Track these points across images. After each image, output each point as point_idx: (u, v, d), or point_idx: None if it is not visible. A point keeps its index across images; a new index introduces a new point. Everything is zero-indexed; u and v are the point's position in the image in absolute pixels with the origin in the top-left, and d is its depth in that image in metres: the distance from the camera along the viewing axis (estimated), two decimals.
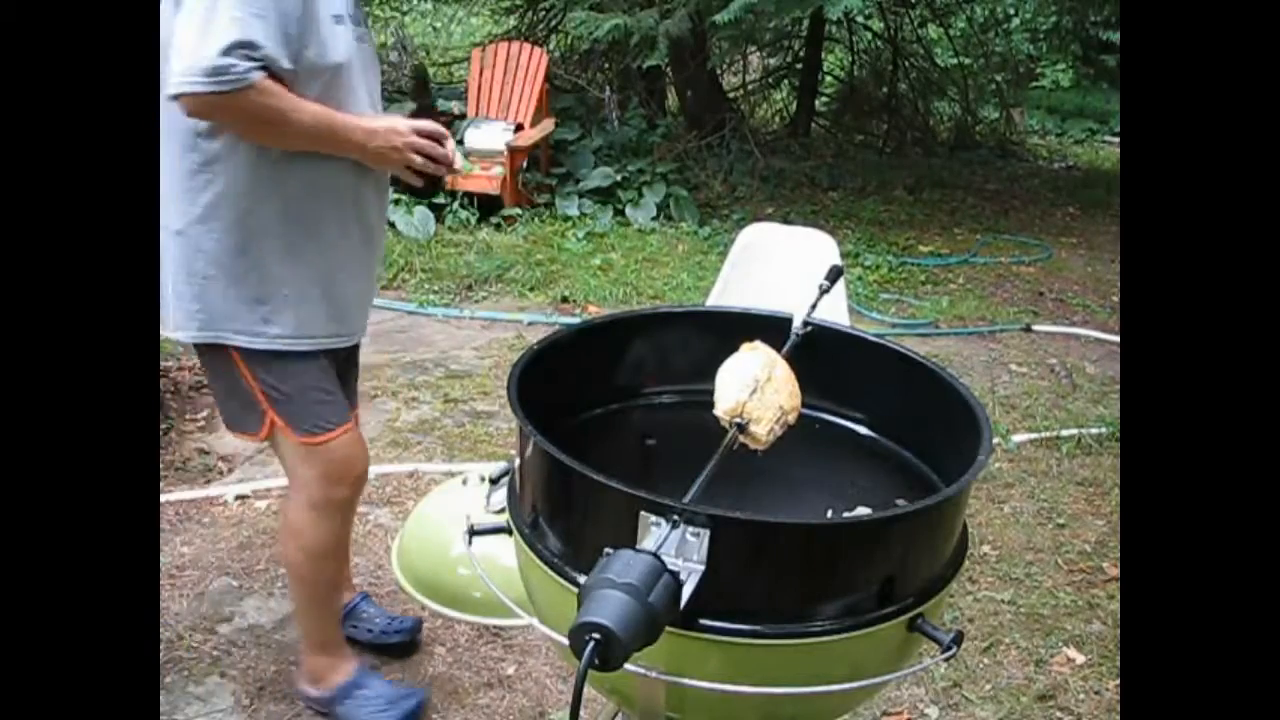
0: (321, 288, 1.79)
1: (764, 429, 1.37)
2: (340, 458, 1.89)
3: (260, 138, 1.63)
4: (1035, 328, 4.67)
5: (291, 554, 1.99)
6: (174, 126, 1.65)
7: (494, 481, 2.28)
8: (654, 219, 5.93)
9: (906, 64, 8.20)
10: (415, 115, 1.81)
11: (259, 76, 1.52)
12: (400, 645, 2.32)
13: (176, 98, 1.52)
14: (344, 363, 1.97)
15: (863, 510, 1.58)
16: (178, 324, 1.76)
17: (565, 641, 1.03)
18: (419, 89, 1.77)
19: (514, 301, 4.75)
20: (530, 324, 4.43)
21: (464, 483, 2.64)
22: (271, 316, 1.75)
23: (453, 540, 2.48)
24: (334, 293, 1.81)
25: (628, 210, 5.96)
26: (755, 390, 1.38)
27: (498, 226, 5.60)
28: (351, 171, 1.77)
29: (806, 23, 7.35)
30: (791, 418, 1.43)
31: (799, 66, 8.02)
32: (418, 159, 1.74)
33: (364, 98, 1.77)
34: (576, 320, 4.25)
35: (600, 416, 1.64)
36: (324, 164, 1.72)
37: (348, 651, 2.13)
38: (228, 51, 1.49)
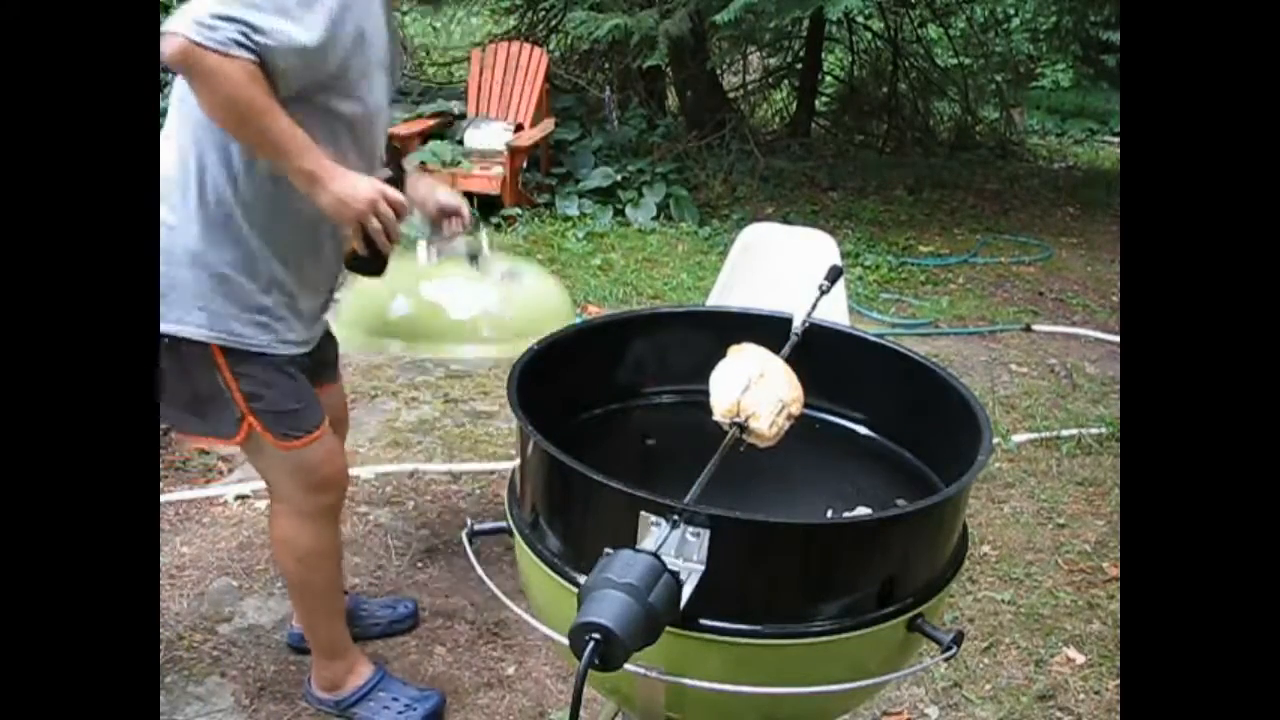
0: (305, 300, 1.87)
1: (765, 423, 1.36)
2: (320, 467, 1.90)
3: (226, 121, 1.60)
4: (1035, 328, 4.67)
5: (288, 564, 1.99)
6: (211, 136, 1.67)
7: (430, 242, 2.13)
8: (654, 219, 5.92)
9: (906, 64, 8.19)
10: (387, 183, 1.76)
11: (245, 57, 1.50)
12: (410, 627, 2.40)
13: (163, 35, 1.49)
14: (311, 373, 1.96)
15: (863, 510, 1.58)
16: (170, 318, 1.72)
17: (565, 641, 1.03)
18: (393, 156, 1.67)
19: None
20: None
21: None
22: (267, 322, 1.79)
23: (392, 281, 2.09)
24: (307, 305, 1.88)
25: (628, 210, 5.95)
26: (748, 387, 1.37)
27: (498, 226, 5.59)
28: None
29: (806, 23, 7.34)
30: (795, 409, 1.42)
31: (799, 66, 8.00)
32: (374, 221, 1.69)
33: (370, 148, 1.83)
34: (576, 320, 4.24)
35: (600, 416, 1.64)
36: None
37: (360, 654, 2.13)
38: (226, 19, 1.48)
